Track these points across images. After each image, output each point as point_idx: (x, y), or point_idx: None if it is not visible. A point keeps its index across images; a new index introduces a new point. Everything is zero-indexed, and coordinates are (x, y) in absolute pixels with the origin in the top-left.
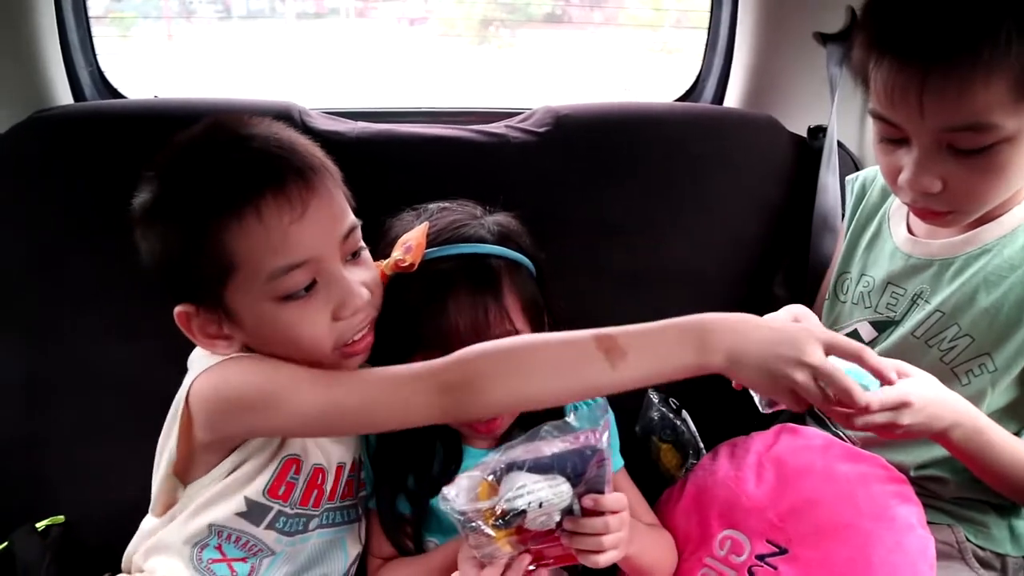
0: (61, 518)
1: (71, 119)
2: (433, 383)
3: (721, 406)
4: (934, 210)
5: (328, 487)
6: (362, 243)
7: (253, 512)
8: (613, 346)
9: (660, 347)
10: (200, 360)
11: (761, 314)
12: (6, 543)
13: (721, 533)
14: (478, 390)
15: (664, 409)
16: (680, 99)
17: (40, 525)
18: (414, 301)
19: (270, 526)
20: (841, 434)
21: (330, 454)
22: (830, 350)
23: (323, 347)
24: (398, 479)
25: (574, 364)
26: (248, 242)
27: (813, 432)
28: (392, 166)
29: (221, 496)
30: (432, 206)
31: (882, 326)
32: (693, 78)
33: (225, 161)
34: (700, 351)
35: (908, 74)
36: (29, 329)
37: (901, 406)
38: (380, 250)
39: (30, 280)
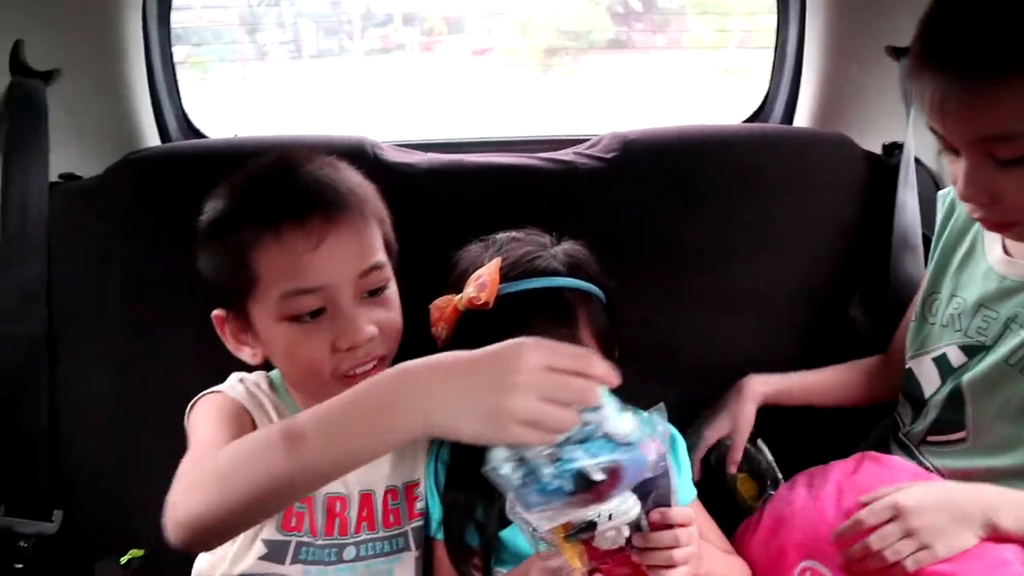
0: (141, 552)
1: (160, 159)
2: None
3: (800, 434)
4: (996, 222)
5: (352, 515)
6: (388, 282)
7: (274, 552)
8: (293, 431)
9: (341, 425)
10: None
11: (839, 338)
12: None
13: (800, 564)
14: (182, 508)
15: (760, 455)
16: (748, 120)
17: (123, 559)
18: (490, 338)
19: (295, 560)
20: (927, 464)
21: (348, 482)
22: (551, 357)
23: (320, 373)
24: (467, 510)
25: (255, 456)
26: (267, 261)
27: (897, 461)
28: (462, 195)
29: (243, 547)
30: (500, 236)
31: (972, 351)
32: (761, 98)
33: (265, 188)
34: (391, 423)
35: (941, 84)
36: (117, 358)
37: (894, 514)
38: (451, 283)
39: (122, 309)
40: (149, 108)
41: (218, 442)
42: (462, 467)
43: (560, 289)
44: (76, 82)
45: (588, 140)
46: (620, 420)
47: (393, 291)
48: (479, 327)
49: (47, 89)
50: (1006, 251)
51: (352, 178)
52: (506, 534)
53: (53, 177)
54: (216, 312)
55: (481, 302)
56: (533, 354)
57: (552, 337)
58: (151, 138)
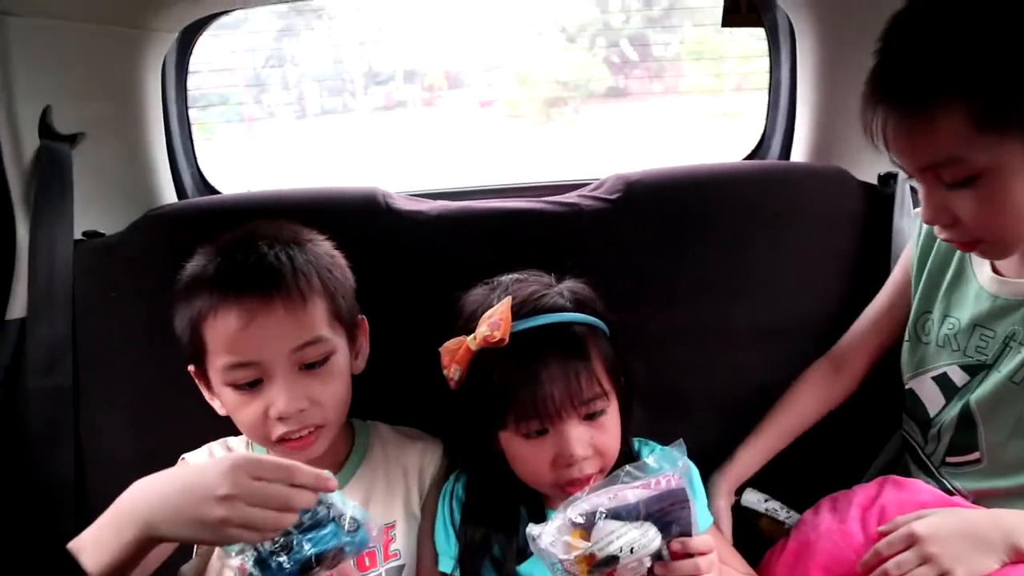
0: None
1: (178, 215)
2: None
3: (810, 460)
4: (962, 241)
5: None
6: (330, 355)
7: None
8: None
9: (97, 535)
10: None
11: None
12: None
13: None
14: None
15: (750, 506)
16: (747, 158)
17: None
18: (504, 375)
19: None
20: (948, 486)
21: None
22: (256, 469)
23: (256, 435)
24: (484, 546)
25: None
26: (209, 334)
27: (918, 485)
28: (471, 240)
29: None
30: (505, 278)
31: (973, 370)
32: (758, 138)
33: (218, 264)
34: (125, 538)
35: (885, 115)
36: (139, 407)
37: (911, 542)
38: (458, 326)
39: (145, 362)
40: (167, 167)
41: None
42: (478, 504)
43: (570, 324)
44: (99, 144)
45: (591, 183)
46: (346, 508)
47: (337, 362)
48: (493, 365)
49: (72, 151)
50: (995, 270)
51: (306, 256)
52: (523, 568)
53: (77, 235)
54: (190, 367)
55: (496, 339)
56: (238, 469)
57: (565, 370)
58: (169, 195)
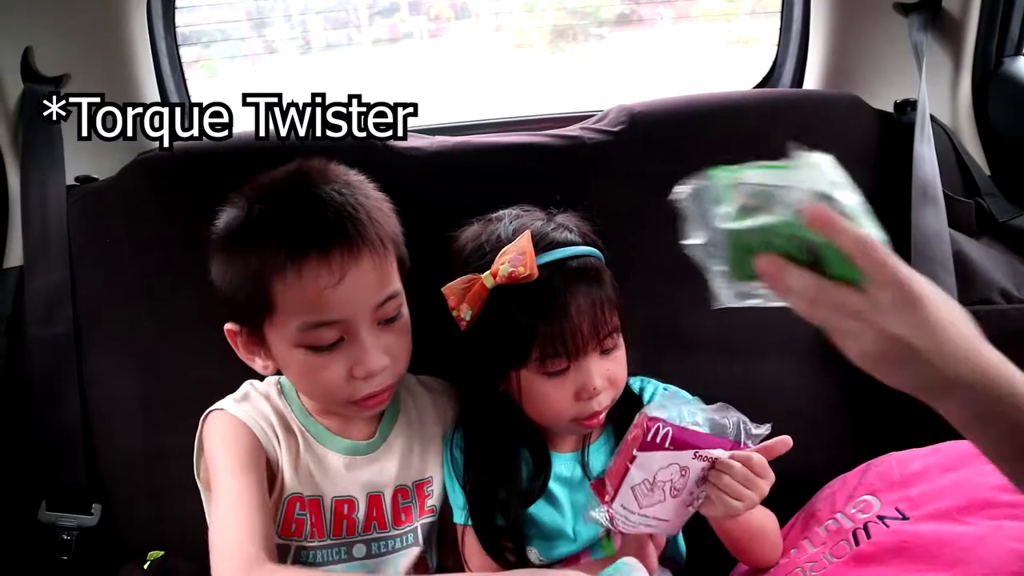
0: (161, 553)
1: (171, 158)
2: None
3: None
4: None
5: (361, 516)
6: (403, 310)
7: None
8: None
9: None
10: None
11: None
12: None
13: (862, 496)
14: None
15: None
16: (758, 87)
17: (145, 564)
18: (530, 309)
19: (295, 563)
20: None
21: (355, 485)
22: None
23: (336, 397)
24: (490, 493)
25: None
26: (288, 293)
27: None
28: (469, 177)
29: None
30: (503, 213)
31: None
32: (769, 64)
33: (287, 215)
34: None
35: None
36: (140, 353)
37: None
38: (456, 263)
39: (143, 307)
40: None
41: (243, 497)
42: (478, 450)
43: (586, 255)
44: (86, 86)
45: (595, 116)
46: None
47: (406, 316)
48: (515, 302)
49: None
50: None
51: (370, 200)
52: (532, 511)
53: (69, 180)
54: (229, 326)
55: (524, 275)
56: None
57: (592, 303)
58: None
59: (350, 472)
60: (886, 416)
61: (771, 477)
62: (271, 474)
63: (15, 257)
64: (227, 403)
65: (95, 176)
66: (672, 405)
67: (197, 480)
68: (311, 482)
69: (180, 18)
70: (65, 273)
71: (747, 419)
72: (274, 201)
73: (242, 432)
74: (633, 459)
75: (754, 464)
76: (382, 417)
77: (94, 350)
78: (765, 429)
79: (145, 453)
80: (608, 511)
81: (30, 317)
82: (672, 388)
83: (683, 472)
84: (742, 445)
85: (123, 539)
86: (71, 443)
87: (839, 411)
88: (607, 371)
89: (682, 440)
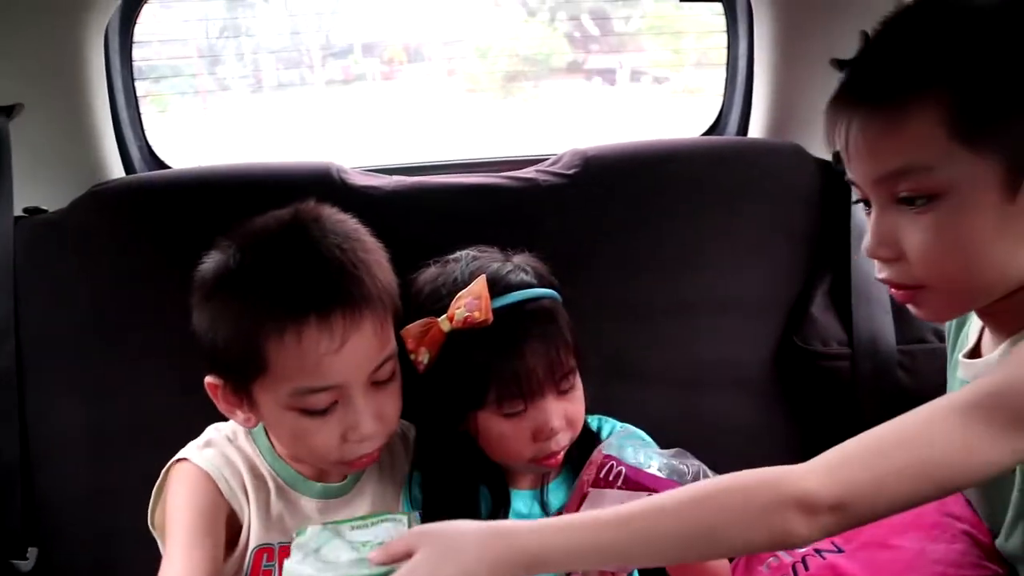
0: None
1: (126, 190)
2: None
3: None
4: (899, 283)
5: None
6: (395, 370)
7: None
8: None
9: None
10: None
11: (801, 339)
12: None
13: None
14: None
15: None
16: (705, 134)
17: None
18: (486, 354)
19: None
20: None
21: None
22: None
23: (327, 459)
24: None
25: None
26: (283, 356)
27: None
28: (427, 217)
29: None
30: (460, 255)
31: None
32: (716, 113)
33: (284, 272)
34: None
35: (846, 119)
36: (87, 388)
37: None
38: (415, 306)
39: (91, 340)
40: (113, 141)
41: (193, 558)
42: (438, 487)
43: (540, 298)
44: (39, 116)
45: (549, 159)
46: None
47: (398, 373)
48: (470, 346)
49: (9, 123)
50: (976, 348)
51: (370, 255)
52: None
53: (17, 211)
54: (210, 379)
55: (479, 320)
56: None
57: (546, 345)
58: (115, 170)
59: (323, 516)
60: None
61: None
62: (235, 526)
63: None
64: (190, 451)
65: (44, 208)
66: (629, 446)
67: (151, 526)
68: (282, 529)
69: (135, 52)
70: (9, 305)
71: (706, 467)
72: (269, 253)
73: (203, 488)
74: (585, 496)
75: None
76: None
77: (37, 384)
78: None
79: (88, 492)
80: None
81: None
82: (628, 427)
83: None
84: None
85: None
86: (8, 481)
87: (788, 446)
88: (565, 411)
89: (635, 481)
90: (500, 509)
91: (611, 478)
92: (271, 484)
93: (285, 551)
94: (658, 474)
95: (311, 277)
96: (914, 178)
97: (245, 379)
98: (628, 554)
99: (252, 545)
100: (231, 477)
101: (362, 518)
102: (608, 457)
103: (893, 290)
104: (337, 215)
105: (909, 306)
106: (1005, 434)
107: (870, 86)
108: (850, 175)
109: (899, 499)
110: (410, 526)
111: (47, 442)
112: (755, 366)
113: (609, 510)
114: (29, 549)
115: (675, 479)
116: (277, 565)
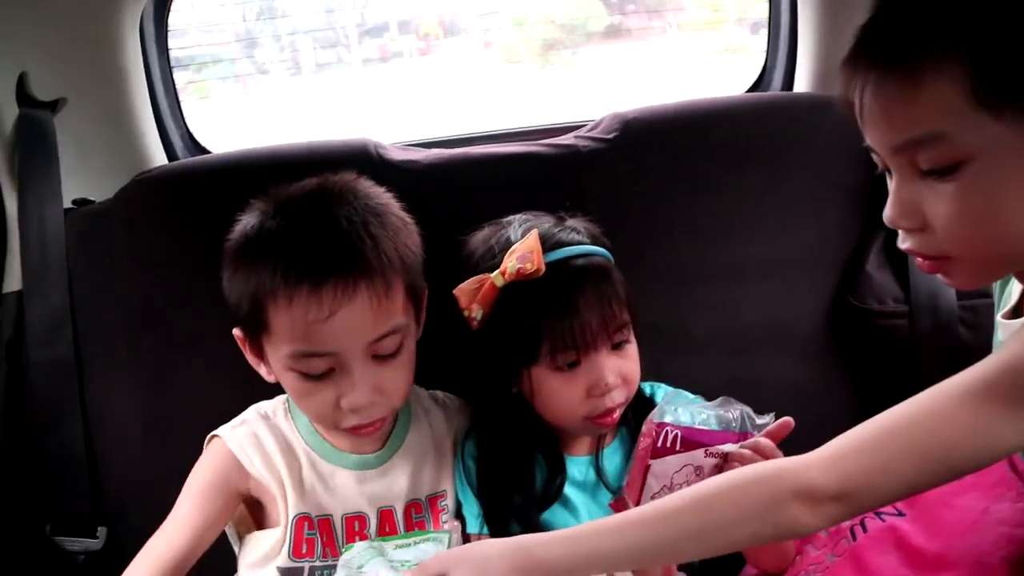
0: None
1: (168, 177)
2: None
3: None
4: (924, 254)
5: (372, 532)
6: (403, 343)
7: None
8: None
9: None
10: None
11: (856, 297)
12: None
13: None
14: None
15: None
16: (748, 92)
17: None
18: (540, 307)
19: None
20: None
21: (365, 501)
22: None
23: (324, 422)
24: (505, 499)
25: None
26: (279, 319)
27: None
28: (466, 188)
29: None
30: (513, 217)
31: None
32: (759, 69)
33: (289, 238)
34: None
35: (865, 82)
36: (143, 374)
37: None
38: (467, 267)
39: (144, 327)
40: (154, 129)
41: (185, 519)
42: (493, 456)
43: (594, 254)
44: (82, 109)
45: (588, 124)
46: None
47: (408, 348)
48: (524, 299)
49: (54, 118)
50: (1017, 308)
51: (385, 230)
52: (547, 516)
53: (66, 203)
54: (236, 331)
55: (531, 271)
56: None
57: (599, 299)
58: (159, 158)
59: (360, 487)
60: None
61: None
62: (266, 498)
63: (14, 282)
64: (224, 429)
65: (92, 199)
66: (676, 407)
67: None
68: (317, 502)
69: (171, 41)
70: (65, 296)
71: (750, 410)
72: (285, 219)
73: (220, 459)
74: (648, 468)
75: (763, 448)
76: (392, 430)
77: (96, 372)
78: (769, 418)
79: (149, 475)
80: None
81: (31, 341)
82: (674, 390)
83: (697, 471)
84: (749, 435)
85: (130, 561)
86: (74, 468)
87: (845, 408)
88: (619, 367)
89: (692, 440)
90: (556, 476)
91: (668, 444)
92: (303, 459)
93: (325, 523)
94: (710, 428)
95: (312, 245)
96: (934, 147)
97: (256, 335)
98: (649, 556)
99: (291, 514)
100: (255, 453)
101: (406, 536)
102: (661, 425)
103: (919, 260)
104: (371, 188)
105: (939, 276)
106: (1021, 412)
107: (885, 45)
108: (868, 141)
109: (910, 483)
110: (450, 546)
111: (107, 429)
112: (809, 328)
113: (623, 515)
114: (99, 529)
115: (723, 428)
116: (319, 533)
